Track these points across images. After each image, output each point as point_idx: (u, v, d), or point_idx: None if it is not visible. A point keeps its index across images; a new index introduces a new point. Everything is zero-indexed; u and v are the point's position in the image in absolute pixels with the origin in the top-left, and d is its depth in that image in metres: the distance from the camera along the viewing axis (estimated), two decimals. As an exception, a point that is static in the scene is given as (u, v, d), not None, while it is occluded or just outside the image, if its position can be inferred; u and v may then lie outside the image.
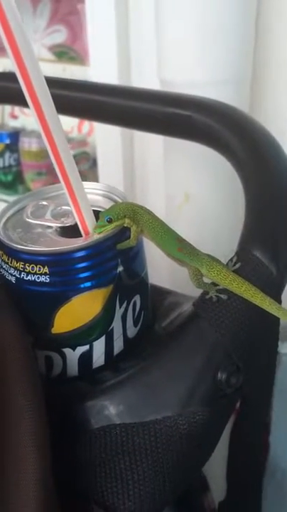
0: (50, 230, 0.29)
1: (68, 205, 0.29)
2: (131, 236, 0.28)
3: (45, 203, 0.30)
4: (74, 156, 0.99)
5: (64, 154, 0.26)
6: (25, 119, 1.11)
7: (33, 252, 0.27)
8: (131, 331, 0.31)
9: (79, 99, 0.42)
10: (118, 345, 0.30)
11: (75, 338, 0.28)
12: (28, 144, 1.00)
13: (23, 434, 0.24)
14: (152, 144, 0.72)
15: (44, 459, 0.24)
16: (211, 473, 0.43)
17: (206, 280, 0.29)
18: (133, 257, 0.29)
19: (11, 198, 1.06)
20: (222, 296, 0.28)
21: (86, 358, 0.29)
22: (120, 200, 0.31)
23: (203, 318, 0.28)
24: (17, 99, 0.47)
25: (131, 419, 0.26)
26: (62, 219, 0.29)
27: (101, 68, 0.73)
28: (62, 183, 0.26)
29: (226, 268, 0.28)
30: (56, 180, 0.88)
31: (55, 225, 0.29)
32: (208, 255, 0.29)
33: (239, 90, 0.57)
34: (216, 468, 0.38)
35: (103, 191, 0.31)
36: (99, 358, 0.29)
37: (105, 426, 0.26)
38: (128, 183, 0.79)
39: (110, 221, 0.27)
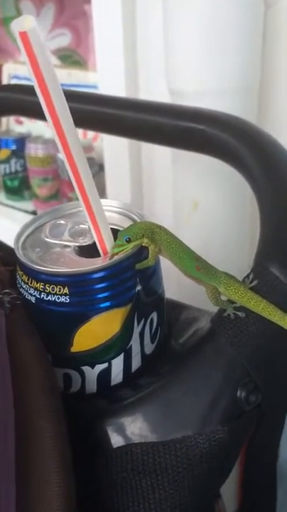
0: (68, 250, 0.29)
1: (85, 223, 0.30)
2: (150, 256, 0.28)
3: (62, 221, 0.31)
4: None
5: (84, 175, 0.26)
6: (30, 124, 1.12)
7: (52, 273, 0.27)
8: (149, 348, 0.31)
9: (93, 113, 0.42)
10: (136, 362, 0.30)
11: (94, 356, 0.29)
12: (34, 150, 1.00)
13: (46, 454, 0.24)
14: (159, 151, 0.72)
15: (67, 477, 0.24)
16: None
17: (223, 297, 0.29)
18: (151, 276, 0.30)
19: (18, 204, 1.07)
20: (240, 313, 0.28)
21: (104, 376, 0.29)
22: (136, 218, 0.31)
23: (221, 336, 0.28)
24: (33, 112, 0.47)
25: (151, 439, 0.27)
26: (80, 238, 0.29)
27: (108, 76, 0.73)
28: (82, 204, 0.27)
29: (244, 286, 0.28)
30: (62, 187, 0.88)
31: (73, 244, 0.29)
32: (225, 273, 0.29)
33: (247, 99, 0.57)
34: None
35: (119, 209, 0.31)
36: (117, 375, 0.30)
37: (126, 445, 0.27)
38: (136, 190, 0.79)
39: (129, 241, 0.27)
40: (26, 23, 0.20)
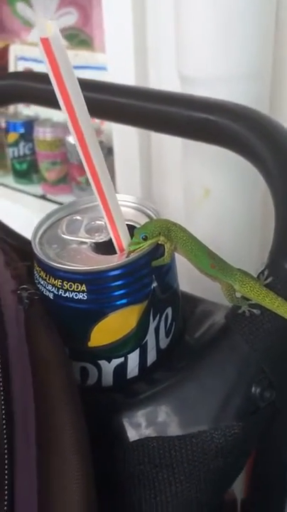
0: (84, 246, 0.29)
1: (101, 219, 0.30)
2: (166, 253, 0.28)
3: (78, 217, 0.31)
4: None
5: (101, 173, 0.26)
6: (38, 107, 1.11)
7: (70, 271, 0.27)
8: (163, 342, 0.31)
9: (105, 102, 0.42)
10: (151, 357, 0.31)
11: (111, 351, 0.29)
12: (42, 134, 1.00)
13: (65, 445, 0.25)
14: (169, 138, 0.72)
15: (86, 469, 0.25)
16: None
17: (238, 294, 0.29)
18: (167, 272, 0.30)
19: (26, 187, 1.07)
20: (255, 311, 0.28)
21: (120, 370, 0.30)
22: (151, 213, 0.31)
23: (236, 333, 0.29)
24: (49, 102, 0.47)
25: (167, 433, 0.27)
26: (96, 234, 0.30)
27: (117, 59, 0.72)
28: (99, 202, 0.27)
29: (259, 284, 0.28)
30: (70, 170, 0.87)
31: (90, 240, 0.29)
32: (240, 270, 0.29)
33: (259, 85, 0.56)
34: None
35: (134, 204, 0.31)
36: (133, 369, 0.30)
37: (142, 439, 0.27)
38: (145, 174, 0.79)
39: (145, 239, 0.27)
40: (48, 28, 0.20)
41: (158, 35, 0.69)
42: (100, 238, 0.29)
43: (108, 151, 0.98)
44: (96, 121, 1.02)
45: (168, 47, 0.67)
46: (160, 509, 0.26)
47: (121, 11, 0.69)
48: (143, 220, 0.30)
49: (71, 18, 1.11)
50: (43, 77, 0.49)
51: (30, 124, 1.03)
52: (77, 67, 1.03)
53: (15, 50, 1.19)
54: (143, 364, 0.30)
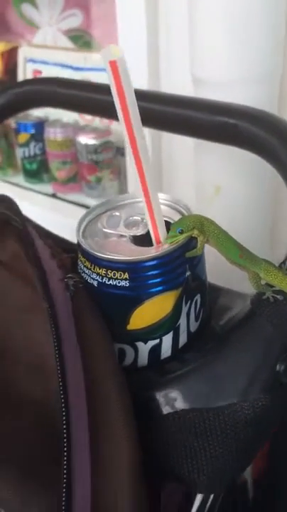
0: (124, 239, 0.32)
1: (137, 215, 0.33)
2: (198, 245, 0.32)
3: (116, 213, 0.34)
4: (99, 146, 1.02)
5: (147, 173, 0.29)
6: (47, 108, 1.14)
7: (114, 260, 0.30)
8: (193, 326, 0.34)
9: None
10: (183, 339, 0.34)
11: (147, 333, 0.32)
12: (53, 134, 1.03)
13: (113, 413, 0.28)
14: (179, 139, 0.75)
15: (132, 433, 0.28)
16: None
17: (263, 282, 0.32)
18: (198, 263, 0.33)
19: (36, 187, 1.10)
20: (278, 296, 0.32)
21: (155, 351, 0.33)
22: (183, 210, 0.34)
23: (260, 316, 0.32)
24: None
25: (200, 406, 0.30)
26: (134, 228, 0.33)
27: (130, 64, 0.75)
28: (143, 200, 0.30)
29: (282, 272, 0.32)
30: (80, 170, 0.90)
31: (129, 234, 0.32)
32: (265, 260, 0.32)
33: (269, 87, 0.60)
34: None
35: (168, 202, 0.34)
36: (166, 350, 0.33)
37: (178, 411, 0.30)
38: (156, 174, 0.82)
39: (181, 232, 0.31)
40: (114, 52, 0.23)
41: (171, 39, 0.72)
42: (138, 232, 0.32)
43: (117, 151, 1.01)
44: (105, 121, 1.05)
45: (180, 51, 0.70)
46: (196, 473, 0.29)
47: (134, 16, 0.72)
48: (175, 216, 0.33)
49: (76, 19, 1.13)
50: (64, 83, 0.52)
51: (40, 125, 1.06)
52: (87, 70, 1.06)
53: (24, 52, 1.21)
54: (175, 345, 0.34)
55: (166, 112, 0.44)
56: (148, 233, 0.32)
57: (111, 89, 0.25)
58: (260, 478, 0.50)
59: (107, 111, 0.47)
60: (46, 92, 0.48)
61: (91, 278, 0.31)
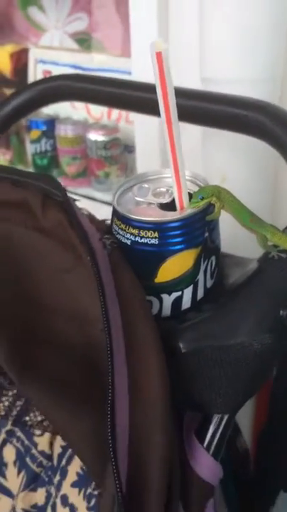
0: (152, 206, 0.38)
1: (163, 187, 0.39)
2: (216, 210, 0.38)
3: (145, 185, 0.40)
4: (108, 142, 1.08)
5: (178, 153, 0.35)
6: (57, 106, 1.19)
7: (146, 221, 0.36)
8: (209, 282, 0.40)
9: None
10: (200, 293, 0.40)
11: (172, 286, 0.38)
12: (64, 131, 1.09)
13: (148, 350, 0.34)
14: (187, 130, 0.81)
15: (164, 368, 0.34)
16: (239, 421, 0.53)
17: (269, 243, 0.39)
18: (214, 226, 0.39)
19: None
20: (282, 255, 0.38)
21: (177, 302, 0.39)
22: (200, 183, 0.40)
23: (266, 271, 0.38)
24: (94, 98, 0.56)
25: (216, 344, 0.36)
26: (161, 197, 0.39)
27: (141, 63, 0.82)
28: (173, 170, 0.36)
29: (286, 234, 0.38)
30: (89, 165, 0.96)
31: (156, 201, 0.39)
32: (271, 225, 0.39)
33: (273, 87, 0.66)
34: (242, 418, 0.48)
35: (189, 176, 0.41)
36: (186, 302, 0.39)
37: (197, 347, 0.36)
38: (164, 164, 0.88)
39: (202, 199, 0.37)
40: (159, 45, 0.29)
41: (180, 41, 0.78)
42: (164, 200, 0.39)
43: (124, 148, 1.07)
44: (113, 119, 1.11)
45: (188, 52, 0.76)
46: (214, 397, 0.35)
47: (146, 18, 0.78)
48: (195, 189, 0.39)
49: (81, 23, 1.19)
50: (89, 79, 0.58)
51: (51, 123, 1.12)
52: (92, 70, 1.12)
53: (34, 54, 1.27)
54: (194, 298, 0.40)
55: (187, 106, 0.50)
56: (172, 201, 0.38)
57: (155, 76, 0.31)
58: (261, 436, 0.56)
59: (128, 104, 0.53)
60: (75, 86, 0.54)
61: (125, 238, 0.37)
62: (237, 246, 0.46)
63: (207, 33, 0.65)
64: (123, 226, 0.38)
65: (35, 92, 0.54)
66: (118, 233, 0.38)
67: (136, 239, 0.37)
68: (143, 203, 0.39)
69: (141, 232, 0.37)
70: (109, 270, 0.36)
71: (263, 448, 0.55)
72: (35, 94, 0.54)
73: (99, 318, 0.35)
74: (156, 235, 0.36)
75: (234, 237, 0.44)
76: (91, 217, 0.40)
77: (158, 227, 0.36)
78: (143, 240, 0.37)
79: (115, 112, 1.12)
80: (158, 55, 0.29)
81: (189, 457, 0.35)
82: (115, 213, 0.38)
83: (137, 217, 0.37)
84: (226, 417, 0.36)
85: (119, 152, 1.06)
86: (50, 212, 0.40)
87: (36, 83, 0.55)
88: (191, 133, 0.78)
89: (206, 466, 0.35)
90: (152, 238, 0.36)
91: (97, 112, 1.14)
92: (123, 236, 0.38)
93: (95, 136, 1.04)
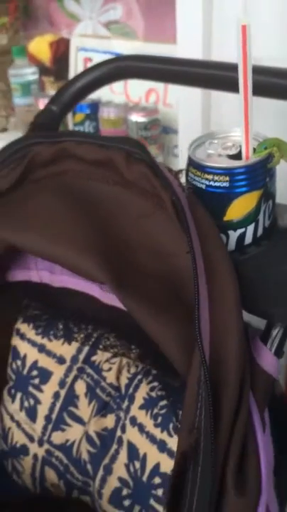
0: (222, 157, 0.47)
1: (230, 142, 0.47)
2: (276, 159, 0.46)
3: (215, 141, 0.48)
4: (148, 123, 1.16)
5: (249, 111, 0.43)
6: (99, 91, 1.27)
7: (219, 167, 0.44)
8: (267, 222, 0.48)
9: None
10: (260, 230, 0.48)
11: (237, 223, 0.46)
12: (107, 113, 1.17)
13: (223, 264, 0.42)
14: (227, 110, 0.89)
15: (235, 278, 0.42)
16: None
17: None
18: (273, 174, 0.47)
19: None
20: None
21: (241, 238, 0.47)
22: (260, 139, 0.48)
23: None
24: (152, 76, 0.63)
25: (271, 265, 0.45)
26: (228, 150, 0.47)
27: (187, 48, 0.90)
28: (243, 125, 0.44)
29: None
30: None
31: (225, 153, 0.47)
32: None
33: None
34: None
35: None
36: (249, 237, 0.47)
37: (251, 263, 0.44)
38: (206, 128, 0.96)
39: (265, 148, 0.45)
40: (243, 20, 0.37)
41: (223, 22, 0.85)
42: (231, 151, 0.47)
43: (163, 129, 1.15)
44: (151, 101, 1.19)
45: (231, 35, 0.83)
46: (274, 305, 0.44)
47: (191, 8, 0.86)
48: (255, 144, 0.47)
49: (116, 12, 1.27)
50: (150, 59, 0.66)
51: (94, 106, 1.20)
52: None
53: (75, 42, 1.35)
54: (255, 234, 0.48)
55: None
56: (238, 153, 0.47)
57: (238, 46, 0.39)
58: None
59: (188, 80, 0.61)
60: (141, 66, 0.62)
61: (200, 183, 0.46)
62: None
63: (251, 14, 0.73)
64: (198, 173, 0.46)
65: (106, 69, 0.62)
66: (194, 179, 0.46)
67: (210, 183, 0.45)
68: (214, 155, 0.47)
69: (214, 177, 0.45)
70: (189, 210, 0.45)
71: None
72: (106, 72, 0.62)
73: (177, 251, 0.43)
74: (227, 179, 0.44)
75: (284, 188, 0.52)
76: (169, 168, 0.48)
77: (229, 172, 0.44)
78: (216, 184, 0.45)
79: (153, 96, 1.20)
80: (244, 28, 0.37)
81: (255, 355, 0.43)
82: (191, 163, 0.46)
83: (212, 164, 0.45)
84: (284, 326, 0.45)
85: (158, 133, 1.14)
86: (134, 166, 0.48)
87: (105, 62, 0.63)
88: (228, 103, 0.85)
89: (270, 363, 0.43)
90: (223, 182, 0.45)
91: (136, 96, 1.22)
92: (199, 181, 0.46)
93: (136, 117, 1.11)
